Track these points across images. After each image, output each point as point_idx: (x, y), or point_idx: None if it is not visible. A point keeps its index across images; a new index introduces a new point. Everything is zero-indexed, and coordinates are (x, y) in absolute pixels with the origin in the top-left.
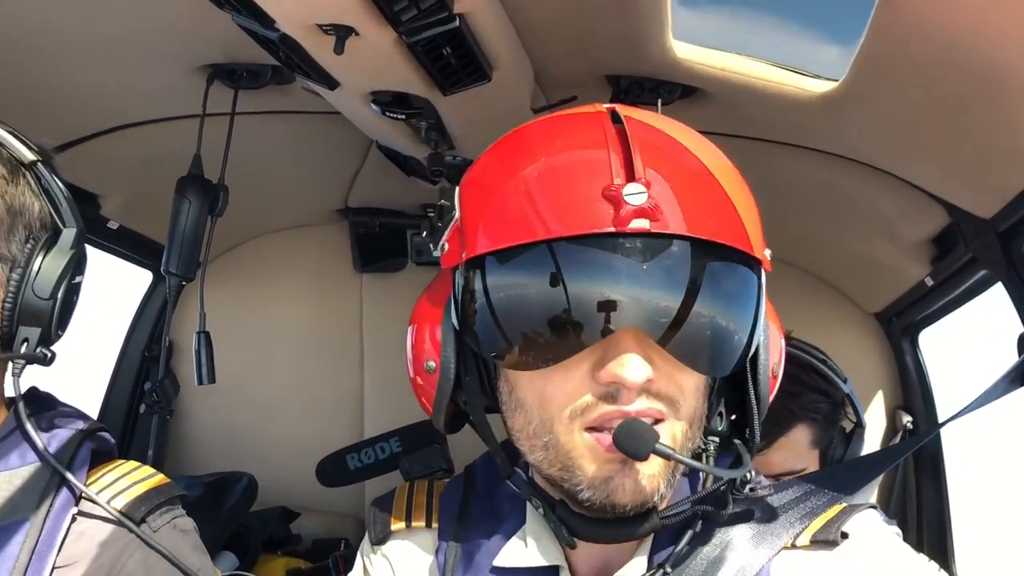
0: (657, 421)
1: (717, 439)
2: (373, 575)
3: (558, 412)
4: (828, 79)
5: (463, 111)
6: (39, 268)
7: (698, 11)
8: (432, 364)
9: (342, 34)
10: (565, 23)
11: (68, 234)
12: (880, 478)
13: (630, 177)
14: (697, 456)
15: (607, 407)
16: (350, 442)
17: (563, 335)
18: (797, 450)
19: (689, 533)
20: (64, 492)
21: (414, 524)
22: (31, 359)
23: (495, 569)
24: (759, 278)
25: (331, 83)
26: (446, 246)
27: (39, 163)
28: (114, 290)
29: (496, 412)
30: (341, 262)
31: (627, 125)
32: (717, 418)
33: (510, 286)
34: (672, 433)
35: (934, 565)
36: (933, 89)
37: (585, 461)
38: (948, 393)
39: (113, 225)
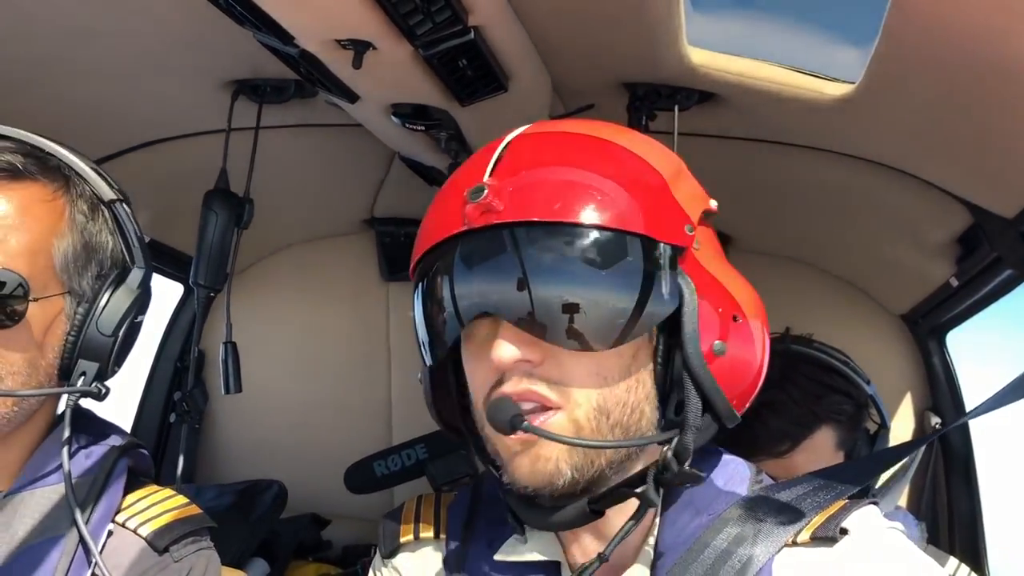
0: (547, 408)
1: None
2: None
3: (478, 401)
4: (845, 82)
5: (481, 121)
6: (105, 304)
7: (712, 17)
8: (419, 374)
9: (360, 49)
10: (580, 33)
11: (136, 274)
12: (910, 480)
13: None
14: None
15: (497, 390)
16: (378, 449)
17: (443, 328)
18: (821, 452)
19: (630, 523)
20: (100, 510)
21: (422, 535)
22: (86, 394)
23: (495, 564)
24: (646, 253)
25: (351, 96)
26: None
27: (117, 202)
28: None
29: None
30: (368, 272)
31: (517, 138)
32: (676, 406)
33: (419, 296)
34: (572, 418)
35: (933, 561)
36: (950, 89)
37: (500, 445)
38: (980, 395)
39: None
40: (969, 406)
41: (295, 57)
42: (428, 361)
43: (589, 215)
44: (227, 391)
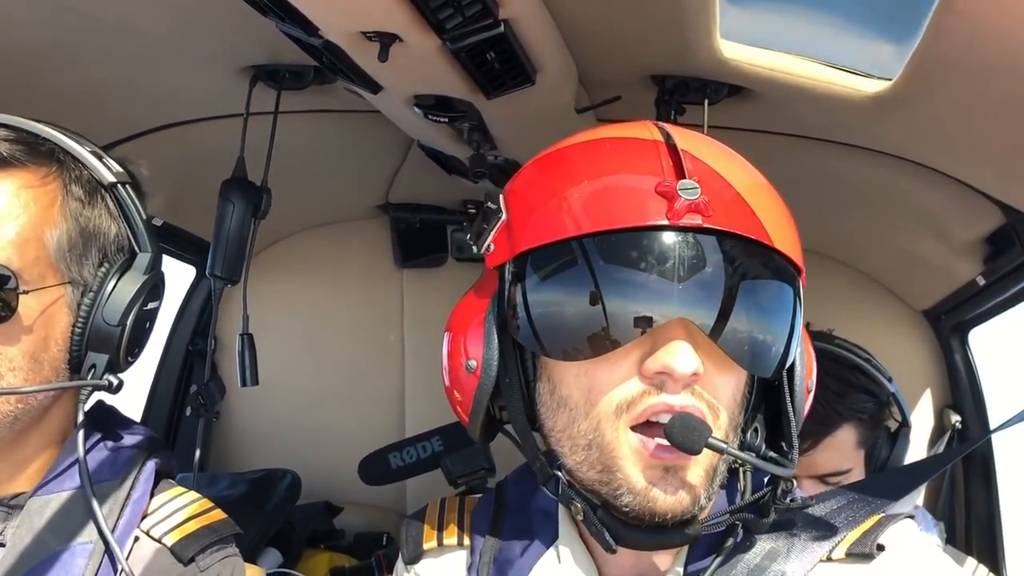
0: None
1: (754, 453)
2: None
3: (604, 407)
4: (881, 78)
5: (506, 114)
6: (110, 293)
7: (746, 10)
8: (473, 363)
9: (386, 41)
10: (611, 25)
11: (143, 259)
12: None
13: (680, 176)
14: (733, 472)
15: (653, 399)
16: (392, 436)
17: (615, 324)
18: (843, 450)
19: (730, 542)
20: (127, 515)
21: (446, 542)
22: (96, 387)
23: None
24: (799, 289)
25: (374, 87)
26: (492, 246)
27: (119, 185)
28: None
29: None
30: (382, 258)
31: (673, 133)
32: (752, 433)
33: (563, 279)
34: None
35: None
36: (991, 91)
37: (628, 463)
38: (1000, 393)
39: (157, 222)
40: (990, 404)
41: (318, 47)
42: (560, 356)
43: (785, 243)
44: (243, 383)
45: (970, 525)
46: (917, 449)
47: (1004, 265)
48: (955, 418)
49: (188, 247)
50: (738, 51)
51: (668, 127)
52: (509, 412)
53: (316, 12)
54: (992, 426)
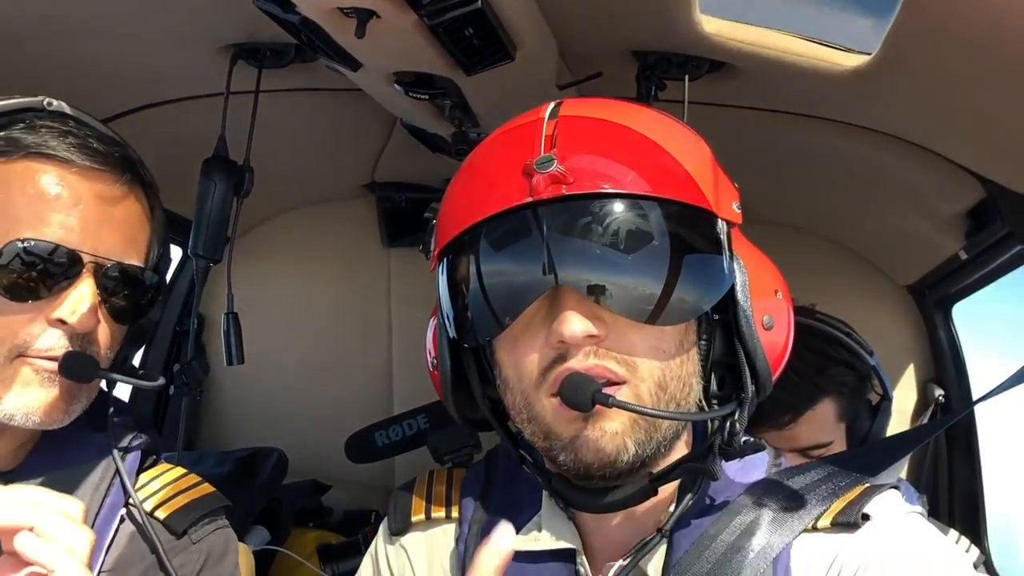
0: (613, 384)
1: (716, 402)
2: (390, 564)
3: (528, 382)
4: (860, 52)
5: (487, 90)
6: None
7: None
8: (434, 361)
9: (363, 17)
10: (590, 0)
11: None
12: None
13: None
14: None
15: (559, 367)
16: (380, 415)
17: (506, 300)
18: (824, 424)
19: (688, 498)
20: (113, 494)
21: (434, 515)
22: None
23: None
24: (708, 227)
25: (354, 64)
26: (430, 253)
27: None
28: None
29: None
30: (369, 237)
31: (561, 112)
32: (720, 381)
33: (461, 272)
34: (636, 395)
35: (957, 545)
36: (969, 64)
37: (556, 425)
38: (981, 366)
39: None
40: (972, 378)
41: (295, 24)
42: (473, 342)
43: (662, 187)
44: (230, 362)
45: (953, 498)
46: (900, 423)
47: (985, 239)
48: (938, 392)
49: (172, 227)
50: (718, 26)
51: (568, 103)
52: (480, 401)
53: None
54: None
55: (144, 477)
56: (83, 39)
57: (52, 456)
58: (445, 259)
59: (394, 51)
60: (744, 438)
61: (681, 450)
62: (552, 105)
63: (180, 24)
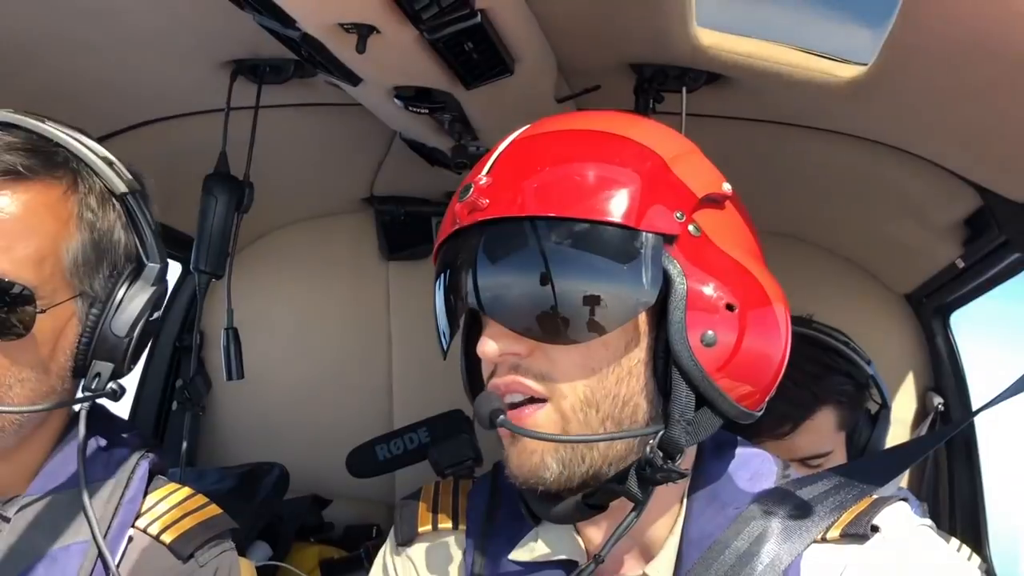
0: (535, 400)
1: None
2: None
3: None
4: (857, 63)
5: (486, 104)
6: (119, 304)
7: None
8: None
9: (363, 33)
10: (588, 14)
11: (152, 270)
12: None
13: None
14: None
15: (489, 381)
16: (380, 428)
17: (444, 324)
18: (823, 433)
19: (630, 516)
20: (121, 515)
21: (441, 526)
22: (102, 396)
23: (513, 562)
24: (627, 243)
25: (353, 80)
26: None
27: (130, 195)
28: None
29: None
30: (367, 250)
31: (519, 137)
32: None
33: (435, 289)
34: (559, 410)
35: (964, 556)
36: (965, 74)
37: (502, 440)
38: (982, 374)
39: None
40: (971, 386)
41: (296, 40)
42: (441, 353)
43: (558, 207)
44: (230, 377)
45: (953, 506)
46: (900, 432)
47: (982, 247)
48: (937, 401)
49: (173, 243)
50: (715, 38)
51: (544, 119)
52: None
53: (292, 4)
54: (974, 408)
55: (151, 499)
56: (83, 55)
57: (58, 479)
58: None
59: (394, 66)
60: (667, 464)
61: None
62: (525, 127)
63: (180, 40)
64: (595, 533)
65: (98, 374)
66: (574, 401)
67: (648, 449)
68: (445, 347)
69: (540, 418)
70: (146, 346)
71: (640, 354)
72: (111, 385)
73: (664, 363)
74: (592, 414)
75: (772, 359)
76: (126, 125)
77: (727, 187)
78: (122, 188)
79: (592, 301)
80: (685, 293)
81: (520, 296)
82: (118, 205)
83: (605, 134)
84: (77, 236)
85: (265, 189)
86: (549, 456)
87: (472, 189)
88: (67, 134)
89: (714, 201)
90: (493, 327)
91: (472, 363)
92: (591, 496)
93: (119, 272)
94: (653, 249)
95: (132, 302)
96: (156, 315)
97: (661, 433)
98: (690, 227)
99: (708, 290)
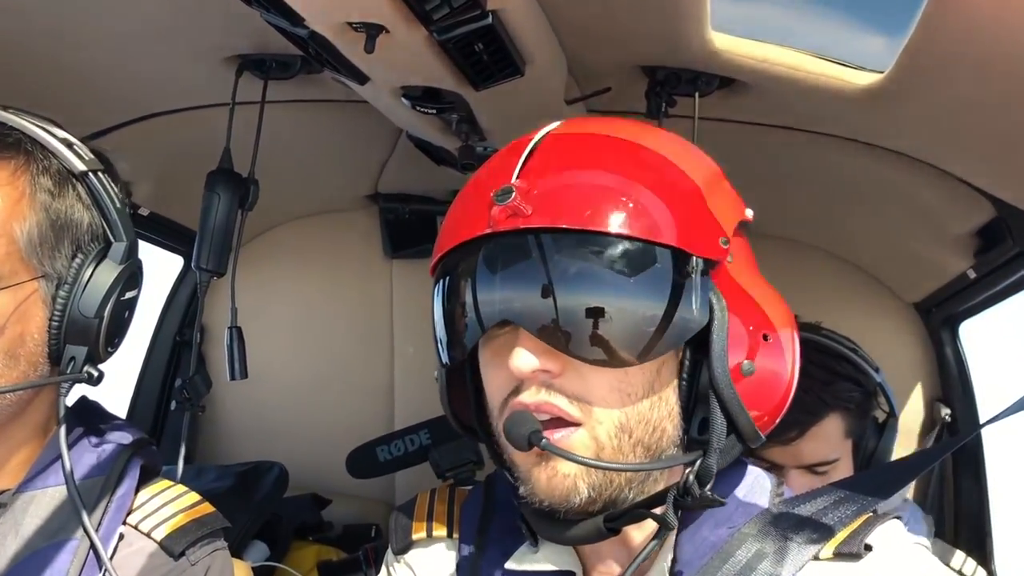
0: (567, 423)
1: (702, 451)
2: None
3: (495, 407)
4: (873, 71)
5: (495, 105)
6: (86, 284)
7: (738, 1)
8: (436, 374)
9: (373, 32)
10: (602, 16)
11: (118, 248)
12: None
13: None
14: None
15: (514, 398)
16: (381, 427)
17: (463, 332)
18: (829, 440)
19: (652, 544)
20: (112, 511)
21: (435, 533)
22: (76, 380)
23: (508, 573)
24: (677, 267)
25: (361, 78)
26: None
27: (91, 173)
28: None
29: None
30: (371, 248)
31: (547, 137)
32: (700, 424)
33: (439, 294)
34: (593, 436)
35: (970, 570)
36: (985, 85)
37: (516, 458)
38: (989, 386)
39: (144, 212)
40: (979, 396)
41: (303, 38)
42: (444, 361)
43: (619, 224)
44: (233, 377)
45: (959, 518)
46: (907, 442)
47: (995, 259)
48: (945, 411)
49: (175, 237)
50: (729, 43)
51: (567, 122)
52: (472, 417)
53: (300, 2)
54: (982, 419)
55: (143, 495)
56: (89, 48)
57: (47, 474)
58: (435, 274)
59: (403, 66)
60: (705, 491)
61: (655, 490)
62: (552, 125)
63: (186, 35)
64: (592, 549)
65: (72, 358)
66: (609, 427)
67: (687, 477)
68: (456, 357)
69: (575, 442)
70: (125, 328)
71: (671, 379)
72: (87, 369)
73: (690, 387)
74: (625, 439)
75: (790, 384)
76: (130, 118)
77: (749, 213)
78: (80, 167)
79: (645, 324)
80: (727, 321)
81: (567, 312)
82: (79, 185)
83: (645, 148)
84: (31, 216)
85: (268, 184)
86: (581, 480)
87: (514, 194)
88: (21, 117)
89: (744, 227)
90: (528, 341)
91: (473, 377)
92: (614, 519)
93: (84, 252)
94: (702, 275)
95: (99, 281)
96: (131, 294)
97: (700, 461)
98: (728, 254)
99: (745, 319)
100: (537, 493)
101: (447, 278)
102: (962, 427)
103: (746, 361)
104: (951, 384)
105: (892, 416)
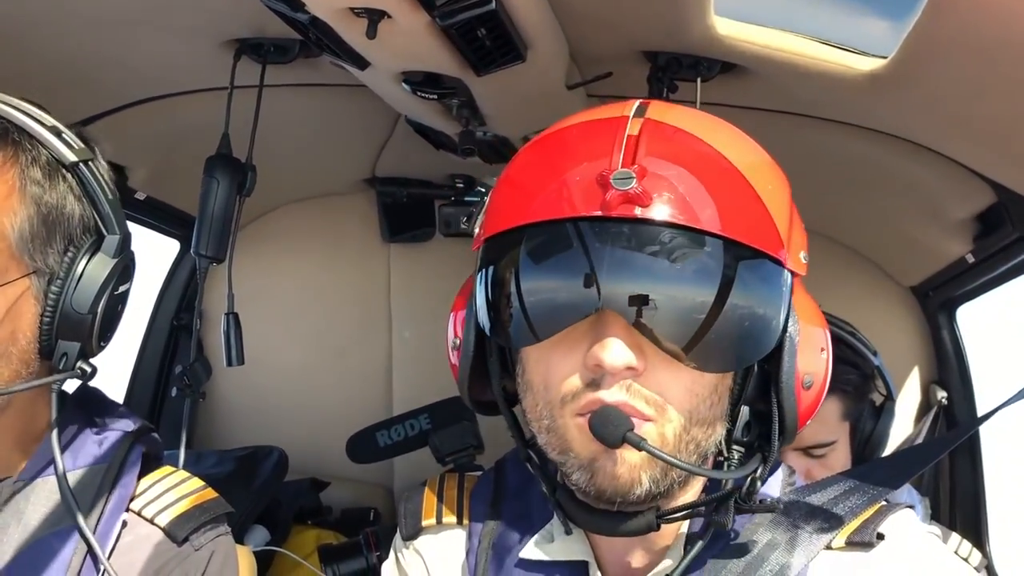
0: (641, 419)
1: (743, 448)
2: (407, 569)
3: (554, 395)
4: (876, 56)
5: (496, 91)
6: (79, 279)
7: None
8: (457, 341)
9: (374, 18)
10: (603, 1)
11: (111, 241)
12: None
13: (628, 165)
14: (718, 466)
15: (590, 394)
16: (379, 411)
17: (549, 314)
18: (827, 422)
19: (715, 542)
20: (114, 499)
21: (445, 520)
22: (69, 377)
23: (521, 562)
24: (775, 278)
25: (361, 64)
26: (477, 229)
27: (82, 164)
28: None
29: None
30: (369, 232)
31: (649, 117)
32: (744, 427)
33: (507, 266)
34: (661, 433)
35: (969, 567)
36: (991, 70)
37: (576, 443)
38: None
39: (140, 196)
40: (976, 381)
41: (303, 23)
42: (504, 343)
43: (737, 230)
44: (230, 363)
45: (954, 501)
46: (903, 425)
47: (994, 243)
48: (941, 394)
49: (172, 221)
50: (732, 28)
51: (655, 105)
52: (493, 392)
53: None
54: (977, 402)
55: (145, 482)
56: (86, 30)
57: (48, 464)
58: (491, 245)
59: (404, 52)
60: (762, 497)
61: (695, 487)
62: (637, 104)
63: (184, 18)
64: (607, 540)
65: (64, 354)
66: (677, 425)
67: (758, 483)
68: (527, 340)
69: (645, 436)
70: (117, 321)
71: (728, 383)
72: (80, 365)
73: (741, 391)
74: (686, 437)
75: (824, 389)
76: (127, 102)
77: None
78: (71, 157)
79: (749, 333)
80: (797, 335)
81: (677, 312)
82: (69, 176)
83: (755, 148)
84: (22, 210)
85: (266, 168)
86: (644, 474)
87: (635, 181)
88: (7, 106)
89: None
90: (623, 334)
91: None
92: (664, 516)
93: (76, 246)
94: (790, 288)
95: (92, 277)
96: (124, 288)
97: (759, 469)
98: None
99: (810, 333)
100: (599, 483)
101: (532, 253)
102: (958, 411)
103: (807, 376)
104: (948, 368)
105: (890, 399)
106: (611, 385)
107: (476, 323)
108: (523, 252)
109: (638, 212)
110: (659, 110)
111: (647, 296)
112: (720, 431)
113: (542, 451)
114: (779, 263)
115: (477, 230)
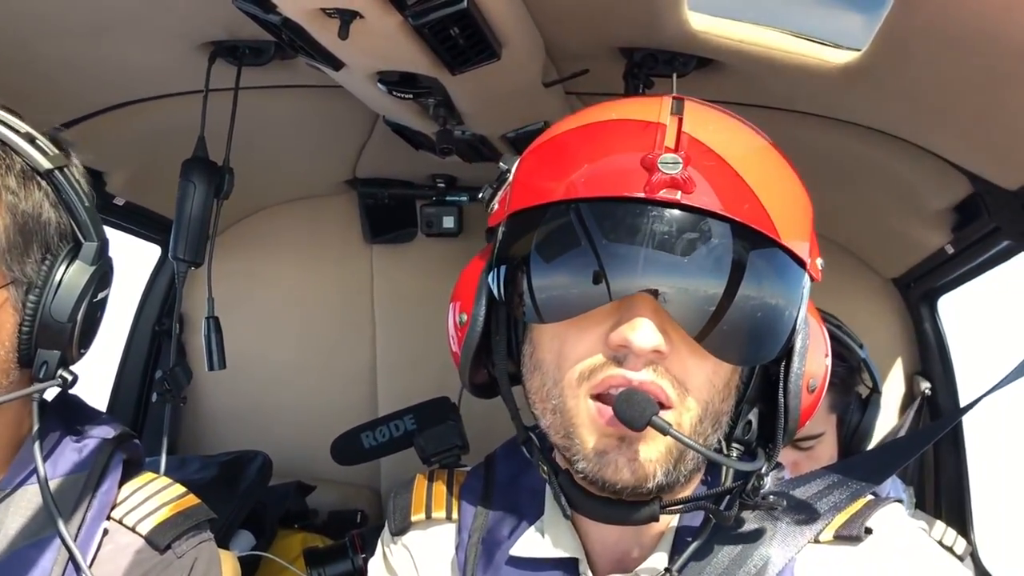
0: (663, 406)
1: (741, 447)
2: (394, 565)
3: (569, 373)
4: (850, 49)
5: (472, 89)
6: (57, 289)
7: None
8: (464, 317)
9: (346, 18)
10: None
11: (89, 248)
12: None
13: (672, 150)
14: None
15: (613, 370)
16: (364, 412)
17: (580, 291)
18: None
19: (704, 535)
20: (95, 507)
21: (434, 515)
22: (50, 386)
23: (512, 560)
24: (799, 280)
25: (336, 64)
26: (495, 206)
27: (57, 171)
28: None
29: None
30: (351, 233)
31: (687, 106)
32: (745, 426)
33: (540, 242)
34: (678, 421)
35: (957, 561)
36: (963, 62)
37: (585, 430)
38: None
39: (119, 201)
40: (958, 371)
41: (276, 24)
42: (528, 318)
43: (775, 226)
44: (211, 367)
45: (939, 489)
46: (888, 416)
47: (972, 234)
48: (924, 385)
49: (151, 226)
50: (706, 23)
51: (687, 101)
52: (496, 370)
53: None
54: (960, 392)
55: (126, 489)
56: (59, 36)
57: (27, 472)
58: (519, 219)
59: (378, 51)
60: (764, 492)
61: (694, 482)
62: (666, 99)
63: (157, 21)
64: (596, 531)
65: (44, 363)
66: (695, 414)
67: (767, 481)
68: (550, 318)
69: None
70: (96, 328)
71: (737, 381)
72: (61, 373)
73: (745, 388)
74: (699, 427)
75: (820, 398)
76: (102, 107)
77: None
78: (46, 164)
79: (776, 327)
80: (807, 339)
81: (707, 300)
82: (44, 183)
83: (781, 155)
84: None
85: (245, 171)
86: (659, 466)
87: (682, 166)
88: None
89: None
90: (650, 314)
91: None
92: (668, 507)
93: (54, 254)
94: (807, 291)
95: (71, 285)
96: (102, 295)
97: (764, 466)
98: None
99: (816, 338)
100: (607, 475)
101: (565, 227)
102: (942, 401)
103: (812, 379)
104: (930, 358)
105: (876, 392)
106: (638, 366)
107: (489, 298)
108: (559, 228)
109: (678, 197)
110: (698, 103)
111: (682, 282)
112: (724, 426)
113: (543, 434)
114: (803, 265)
115: (496, 206)
